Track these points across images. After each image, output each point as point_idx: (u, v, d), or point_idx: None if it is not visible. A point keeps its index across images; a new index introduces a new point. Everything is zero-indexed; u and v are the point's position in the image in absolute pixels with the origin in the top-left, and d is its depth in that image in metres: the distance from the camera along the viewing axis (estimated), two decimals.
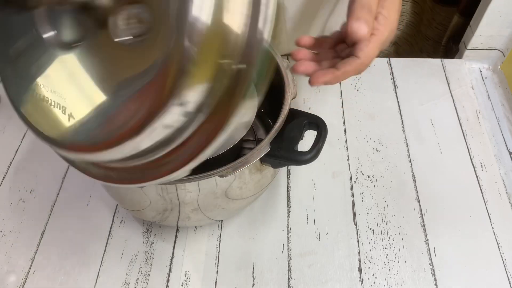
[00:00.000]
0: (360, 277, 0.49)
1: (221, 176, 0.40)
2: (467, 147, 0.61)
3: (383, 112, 0.65)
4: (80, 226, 0.53)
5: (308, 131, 0.46)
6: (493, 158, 0.59)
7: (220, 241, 0.52)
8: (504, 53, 0.70)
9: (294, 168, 0.58)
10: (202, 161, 0.30)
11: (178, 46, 0.24)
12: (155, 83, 0.26)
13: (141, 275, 0.50)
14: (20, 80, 0.35)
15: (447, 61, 0.72)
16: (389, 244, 0.52)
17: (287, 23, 0.64)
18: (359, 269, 0.50)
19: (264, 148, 0.41)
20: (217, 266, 0.50)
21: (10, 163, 0.59)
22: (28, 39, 0.33)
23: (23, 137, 0.62)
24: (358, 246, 0.52)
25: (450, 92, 0.67)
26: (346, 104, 0.65)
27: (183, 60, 0.25)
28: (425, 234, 0.52)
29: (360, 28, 0.35)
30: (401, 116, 0.64)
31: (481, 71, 0.72)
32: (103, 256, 0.51)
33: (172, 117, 0.26)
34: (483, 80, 0.71)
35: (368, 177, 0.58)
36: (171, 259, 0.51)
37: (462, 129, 0.63)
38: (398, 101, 0.66)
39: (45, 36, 0.32)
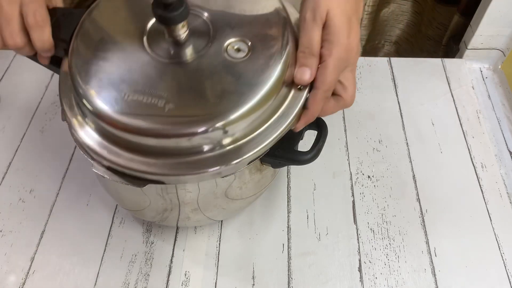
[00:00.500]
0: (361, 277, 0.49)
1: (221, 176, 0.40)
2: (468, 147, 0.61)
3: (383, 112, 0.65)
4: (80, 226, 0.53)
5: (308, 131, 0.46)
6: (493, 158, 0.59)
7: (220, 241, 0.52)
8: (505, 53, 0.70)
9: (294, 168, 0.58)
10: None
11: None
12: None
13: (141, 275, 0.50)
14: None
15: (447, 60, 0.72)
16: (390, 244, 0.52)
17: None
18: (359, 269, 0.50)
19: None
20: (217, 266, 0.50)
21: (10, 163, 0.59)
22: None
23: (23, 137, 0.62)
24: (359, 246, 0.52)
25: (451, 91, 0.67)
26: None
27: None
28: (426, 234, 0.52)
29: (303, 75, 0.39)
30: (401, 116, 0.64)
31: (481, 71, 0.72)
32: (103, 256, 0.51)
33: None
34: (483, 79, 0.71)
35: (369, 177, 0.57)
36: (171, 259, 0.51)
37: (462, 129, 0.63)
38: (398, 101, 0.66)
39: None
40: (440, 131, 0.62)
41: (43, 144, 0.61)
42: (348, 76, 0.41)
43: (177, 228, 0.53)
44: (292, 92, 0.40)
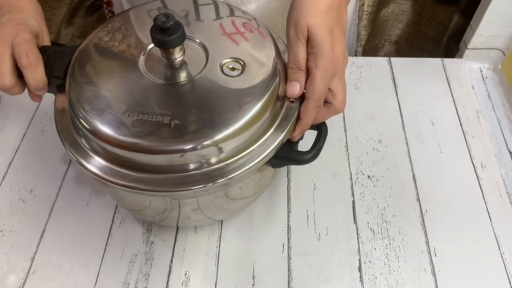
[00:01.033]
0: (361, 277, 0.49)
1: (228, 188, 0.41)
2: (468, 147, 0.61)
3: (383, 112, 0.65)
4: (80, 226, 0.53)
5: (308, 130, 0.46)
6: (493, 158, 0.59)
7: (220, 241, 0.52)
8: (505, 53, 0.70)
9: (294, 168, 0.58)
10: None
11: None
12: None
13: (141, 275, 0.50)
14: None
15: (447, 60, 0.72)
16: (390, 244, 0.52)
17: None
18: (359, 269, 0.50)
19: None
20: (217, 266, 0.50)
21: (10, 163, 0.59)
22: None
23: (23, 137, 0.62)
24: (358, 246, 0.52)
25: (451, 91, 0.67)
26: (346, 103, 0.65)
27: None
28: (426, 234, 0.52)
29: (292, 89, 0.42)
30: (401, 116, 0.64)
31: (481, 71, 0.72)
32: (103, 256, 0.51)
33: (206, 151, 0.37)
34: (483, 79, 0.71)
35: (369, 177, 0.58)
36: (171, 259, 0.51)
37: (462, 128, 0.63)
38: (398, 101, 0.66)
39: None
40: (440, 131, 0.62)
41: (43, 144, 0.61)
42: (336, 84, 0.42)
43: (177, 228, 0.53)
44: (286, 104, 0.42)
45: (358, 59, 0.72)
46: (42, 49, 0.43)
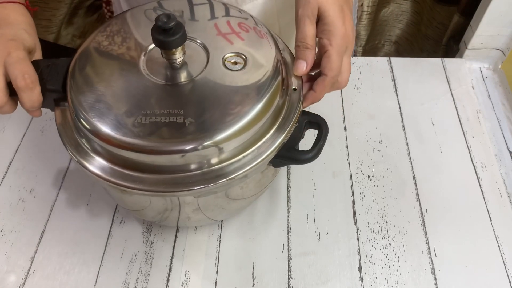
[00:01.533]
0: (361, 277, 0.49)
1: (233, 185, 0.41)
2: (468, 147, 0.61)
3: (383, 112, 0.65)
4: (80, 226, 0.53)
5: (308, 130, 0.46)
6: (493, 158, 0.59)
7: (220, 241, 0.52)
8: (505, 53, 0.70)
9: (294, 168, 0.58)
10: None
11: None
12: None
13: (141, 275, 0.50)
14: None
15: (447, 60, 0.72)
16: (390, 244, 0.52)
17: (284, 29, 0.65)
18: (359, 269, 0.50)
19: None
20: (217, 266, 0.50)
21: (10, 163, 0.59)
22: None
23: (23, 137, 0.62)
24: (358, 246, 0.52)
25: (451, 91, 0.67)
26: (346, 103, 0.65)
27: None
28: (426, 234, 0.52)
29: (299, 68, 0.43)
30: (401, 116, 0.64)
31: (481, 71, 0.72)
32: (103, 256, 0.51)
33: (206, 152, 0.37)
34: (483, 79, 0.71)
35: (369, 176, 0.58)
36: (171, 259, 0.51)
37: (462, 128, 0.63)
38: (398, 101, 0.66)
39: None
40: (440, 131, 0.62)
41: (43, 144, 0.61)
42: (345, 61, 0.44)
43: (177, 228, 0.53)
44: (286, 104, 0.43)
45: (358, 59, 0.72)
46: (35, 63, 0.42)
